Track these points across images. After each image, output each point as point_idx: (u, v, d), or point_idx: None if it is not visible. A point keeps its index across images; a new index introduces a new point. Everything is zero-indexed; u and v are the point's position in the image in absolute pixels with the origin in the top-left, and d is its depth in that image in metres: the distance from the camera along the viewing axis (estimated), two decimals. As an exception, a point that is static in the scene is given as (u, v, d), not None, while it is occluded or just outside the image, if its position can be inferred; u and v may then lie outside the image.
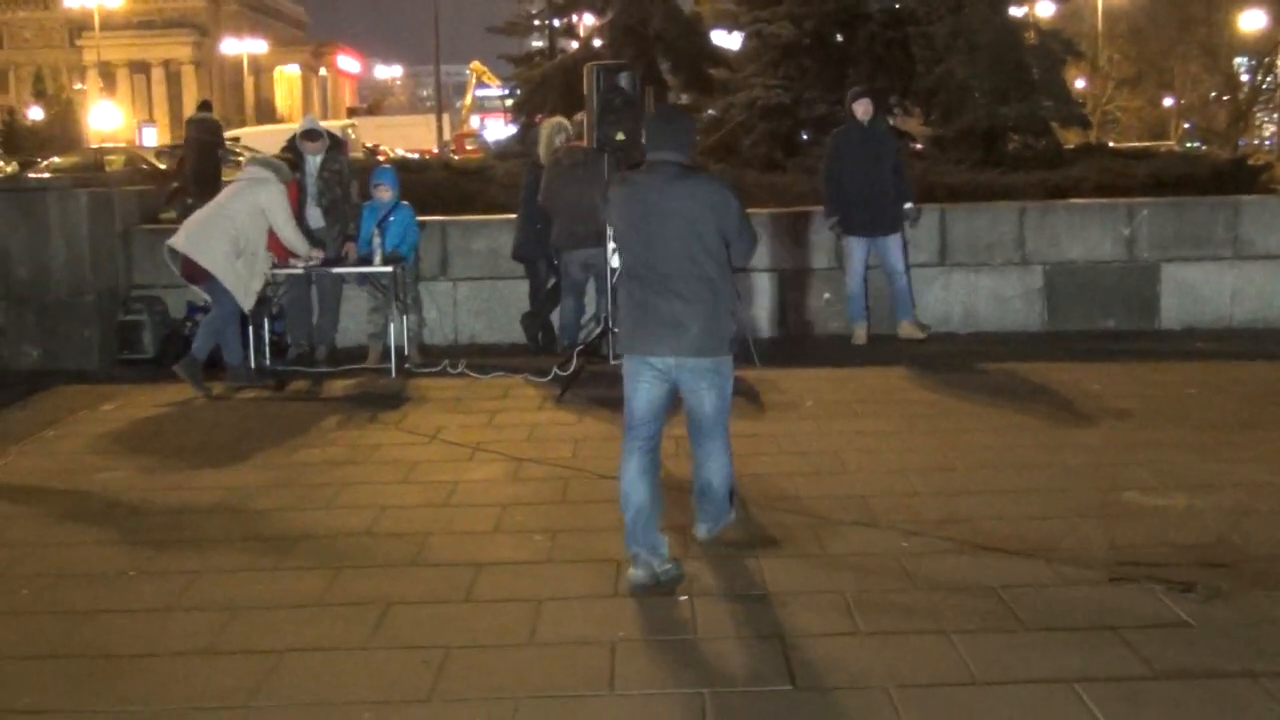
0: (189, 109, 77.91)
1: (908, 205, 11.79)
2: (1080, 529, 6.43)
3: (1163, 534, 6.32)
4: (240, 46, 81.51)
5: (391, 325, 10.96)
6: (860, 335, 11.82)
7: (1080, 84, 59.54)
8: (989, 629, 5.19)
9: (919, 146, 20.09)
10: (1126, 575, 5.72)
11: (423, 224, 11.67)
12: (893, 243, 11.74)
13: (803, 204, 12.90)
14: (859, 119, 11.79)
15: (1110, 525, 6.48)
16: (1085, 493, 7.07)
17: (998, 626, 5.21)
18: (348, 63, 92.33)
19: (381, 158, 34.52)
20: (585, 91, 10.90)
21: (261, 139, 31.30)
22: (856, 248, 11.74)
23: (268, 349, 11.06)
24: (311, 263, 10.76)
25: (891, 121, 19.40)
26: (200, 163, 17.68)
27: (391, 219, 11.10)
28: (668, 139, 5.98)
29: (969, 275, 12.50)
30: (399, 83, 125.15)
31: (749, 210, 6.15)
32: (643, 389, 5.96)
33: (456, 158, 38.86)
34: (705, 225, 5.84)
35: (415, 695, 4.72)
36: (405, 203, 11.36)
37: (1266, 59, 69.94)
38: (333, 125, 16.00)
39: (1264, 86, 73.70)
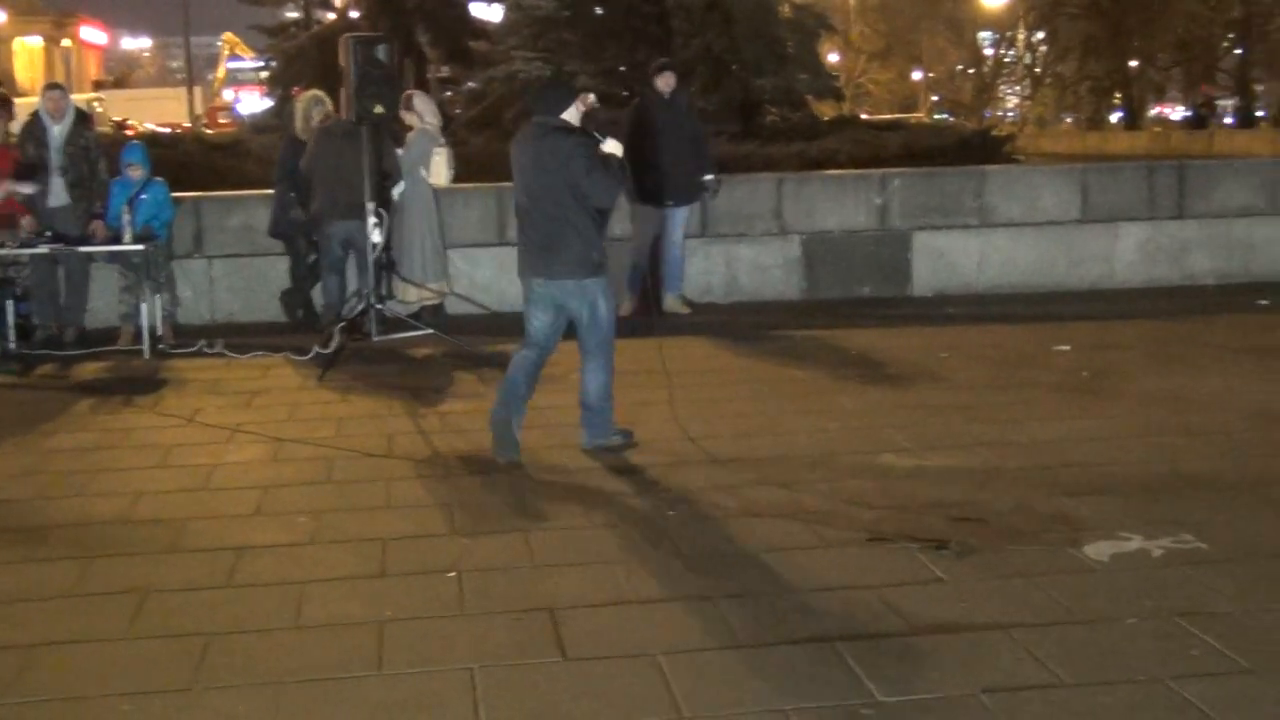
0: (-80, 81, 73.98)
1: (708, 177, 11.87)
2: (839, 492, 6.59)
3: (918, 494, 6.53)
4: (-25, 16, 77.74)
5: (144, 305, 10.61)
6: (627, 306, 11.87)
7: (834, 58, 61.06)
8: (753, 593, 5.28)
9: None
10: (883, 535, 5.89)
11: (176, 200, 11.33)
12: (683, 215, 11.82)
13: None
14: (660, 91, 11.80)
15: (868, 487, 6.67)
16: (843, 456, 7.26)
17: (761, 590, 5.32)
18: (92, 34, 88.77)
19: (130, 132, 33.35)
20: (342, 64, 10.71)
21: None
22: (648, 218, 11.73)
23: (12, 332, 10.58)
24: (24, 233, 10.36)
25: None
26: None
27: (143, 196, 10.76)
28: (541, 105, 7.37)
29: (729, 246, 12.68)
30: (148, 55, 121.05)
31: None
32: (532, 307, 7.37)
33: (210, 132, 37.87)
34: (557, 173, 7.10)
35: (176, 685, 4.58)
36: (158, 179, 11.02)
37: (1008, 33, 72.74)
38: (79, 99, 15.35)
39: (1006, 60, 76.58)
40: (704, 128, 12.60)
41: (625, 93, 22.04)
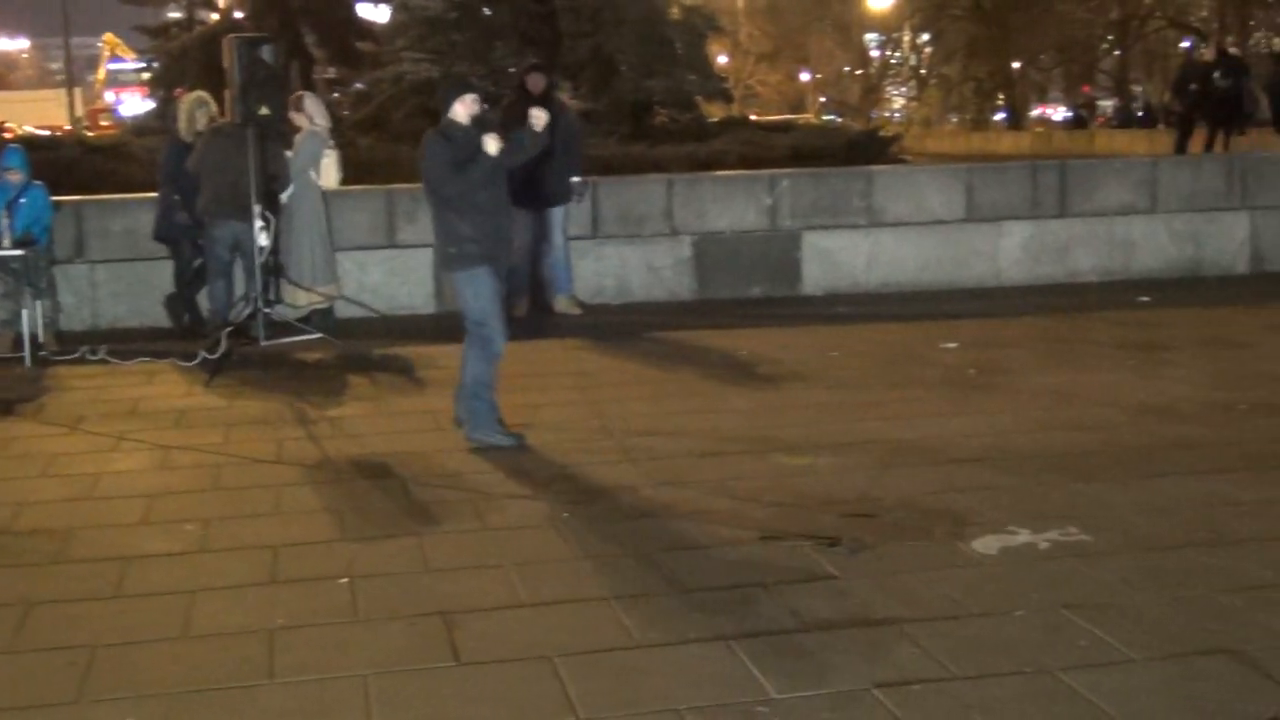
0: None
1: (576, 179, 11.83)
2: (732, 490, 6.62)
3: (810, 492, 6.58)
4: None
5: (24, 312, 10.37)
6: (521, 308, 11.82)
7: (722, 59, 61.40)
8: (648, 593, 5.29)
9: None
10: (777, 533, 5.92)
11: (57, 204, 11.09)
12: (555, 216, 11.77)
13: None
14: (529, 91, 11.72)
15: (760, 486, 6.70)
16: (736, 455, 7.29)
17: (656, 590, 5.32)
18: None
19: (9, 135, 32.64)
20: (226, 65, 10.56)
21: None
22: (522, 221, 11.62)
23: (-114, 340, 10.33)
24: None
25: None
26: None
27: (22, 200, 10.53)
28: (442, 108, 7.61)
29: (621, 247, 12.69)
30: (26, 56, 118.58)
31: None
32: None
33: (91, 134, 37.16)
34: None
35: (61, 698, 4.49)
36: (38, 182, 10.79)
37: (894, 35, 73.65)
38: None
39: (893, 61, 77.57)
40: (579, 128, 12.56)
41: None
